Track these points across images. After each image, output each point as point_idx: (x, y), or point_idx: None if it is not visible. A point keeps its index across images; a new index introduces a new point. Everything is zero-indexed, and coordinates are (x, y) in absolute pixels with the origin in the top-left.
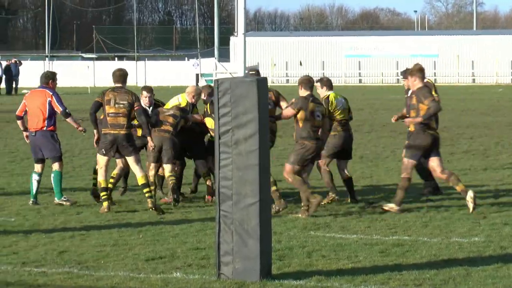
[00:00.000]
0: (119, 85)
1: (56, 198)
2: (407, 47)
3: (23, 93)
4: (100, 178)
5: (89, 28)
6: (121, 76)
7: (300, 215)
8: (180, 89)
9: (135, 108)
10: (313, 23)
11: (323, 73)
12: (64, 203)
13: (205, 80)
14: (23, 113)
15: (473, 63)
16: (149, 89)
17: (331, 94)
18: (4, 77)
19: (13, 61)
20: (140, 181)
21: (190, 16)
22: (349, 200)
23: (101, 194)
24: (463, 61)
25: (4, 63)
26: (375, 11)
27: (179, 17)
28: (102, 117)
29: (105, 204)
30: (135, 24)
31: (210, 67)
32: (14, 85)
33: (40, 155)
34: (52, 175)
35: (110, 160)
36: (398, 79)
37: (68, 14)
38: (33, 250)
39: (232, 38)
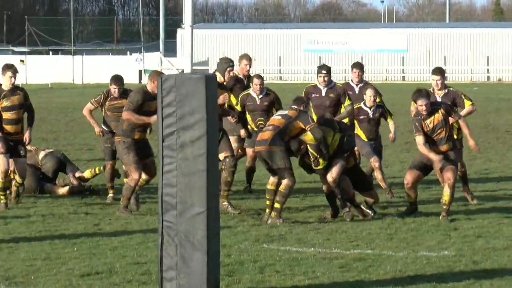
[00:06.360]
0: None
1: None
2: (373, 41)
3: None
4: None
5: (21, 19)
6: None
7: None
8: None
9: None
10: (269, 14)
11: (280, 69)
12: None
13: None
14: None
15: (445, 59)
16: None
17: None
18: None
19: None
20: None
21: (134, 6)
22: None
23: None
24: (435, 57)
25: None
26: (337, 2)
27: (121, 7)
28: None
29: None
30: (71, 15)
31: (154, 63)
32: None
33: None
34: None
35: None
36: None
37: None
38: None
39: (179, 31)
